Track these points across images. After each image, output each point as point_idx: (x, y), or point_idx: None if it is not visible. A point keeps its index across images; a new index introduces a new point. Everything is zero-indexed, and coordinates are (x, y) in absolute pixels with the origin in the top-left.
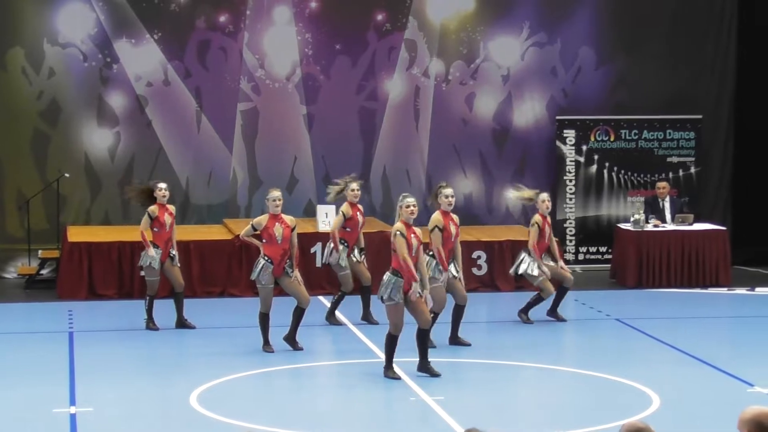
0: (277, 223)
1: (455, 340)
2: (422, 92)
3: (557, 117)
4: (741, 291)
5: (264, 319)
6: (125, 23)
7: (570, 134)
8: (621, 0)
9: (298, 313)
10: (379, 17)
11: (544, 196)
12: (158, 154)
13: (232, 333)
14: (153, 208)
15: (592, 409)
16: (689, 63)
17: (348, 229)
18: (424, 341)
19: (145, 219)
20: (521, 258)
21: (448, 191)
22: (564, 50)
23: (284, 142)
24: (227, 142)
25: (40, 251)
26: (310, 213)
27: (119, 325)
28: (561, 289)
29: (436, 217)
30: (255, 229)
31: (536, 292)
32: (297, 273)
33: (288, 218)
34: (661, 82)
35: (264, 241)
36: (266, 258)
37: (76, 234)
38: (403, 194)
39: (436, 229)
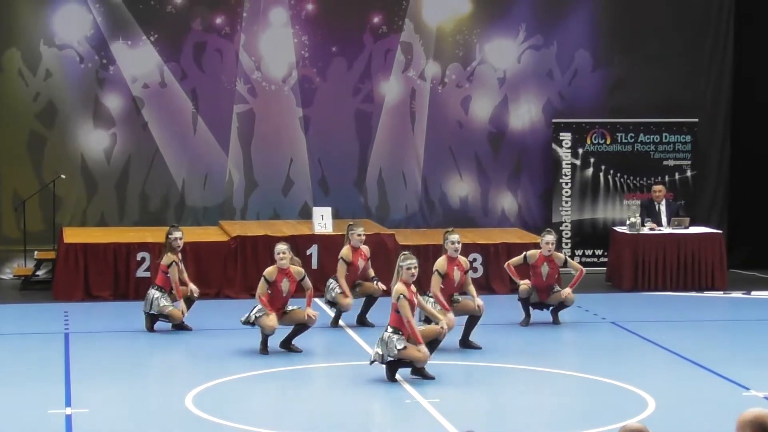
0: (285, 278)
1: (466, 343)
2: (418, 95)
3: (553, 120)
4: (737, 294)
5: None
6: (122, 25)
7: (566, 137)
8: (617, 3)
9: (300, 327)
10: (376, 20)
11: (549, 238)
12: (154, 155)
13: (228, 334)
14: (172, 264)
15: (588, 412)
16: (685, 66)
17: (347, 273)
18: None
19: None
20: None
21: (454, 237)
22: (560, 53)
23: (280, 144)
24: (223, 144)
25: (36, 252)
26: (305, 215)
27: (115, 327)
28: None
29: (440, 262)
30: (268, 282)
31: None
32: (309, 311)
33: (295, 270)
34: (657, 85)
35: (269, 291)
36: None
37: (72, 235)
38: (404, 253)
39: (437, 273)
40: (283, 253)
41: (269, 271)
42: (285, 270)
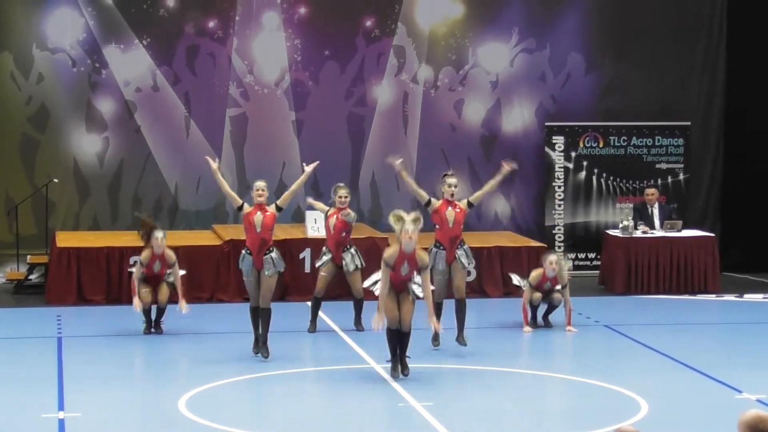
0: (258, 212)
1: (458, 338)
2: (411, 98)
3: (546, 123)
4: (730, 297)
5: (252, 314)
6: (114, 29)
7: (559, 140)
8: (610, 6)
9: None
10: (368, 23)
11: (552, 258)
12: (147, 159)
13: (221, 338)
14: (144, 256)
15: (581, 415)
16: (678, 70)
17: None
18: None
19: (137, 267)
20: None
21: (452, 180)
22: (553, 56)
23: (273, 147)
24: (216, 147)
25: (28, 256)
26: (298, 219)
27: (108, 331)
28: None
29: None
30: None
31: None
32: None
33: (270, 208)
34: (650, 88)
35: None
36: (246, 249)
37: (65, 239)
38: (399, 215)
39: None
40: (263, 189)
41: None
42: (261, 206)
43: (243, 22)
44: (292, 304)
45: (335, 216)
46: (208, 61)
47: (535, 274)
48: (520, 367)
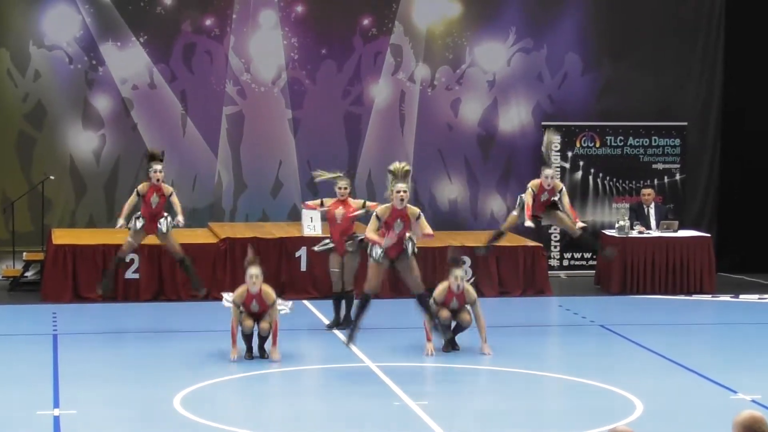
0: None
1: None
2: (408, 97)
3: (543, 123)
4: (725, 298)
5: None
6: (111, 26)
7: (555, 140)
8: (608, 7)
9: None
10: (365, 22)
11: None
12: (143, 157)
13: (217, 336)
14: (142, 187)
15: (576, 415)
16: (675, 70)
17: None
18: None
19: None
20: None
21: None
22: (550, 56)
23: (269, 146)
24: (212, 145)
25: (24, 253)
26: (294, 217)
27: (103, 328)
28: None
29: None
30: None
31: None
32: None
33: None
34: (647, 89)
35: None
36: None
37: (61, 236)
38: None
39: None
40: (256, 277)
41: (239, 293)
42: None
43: (240, 20)
44: (287, 302)
45: (340, 207)
46: (205, 59)
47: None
48: (514, 367)
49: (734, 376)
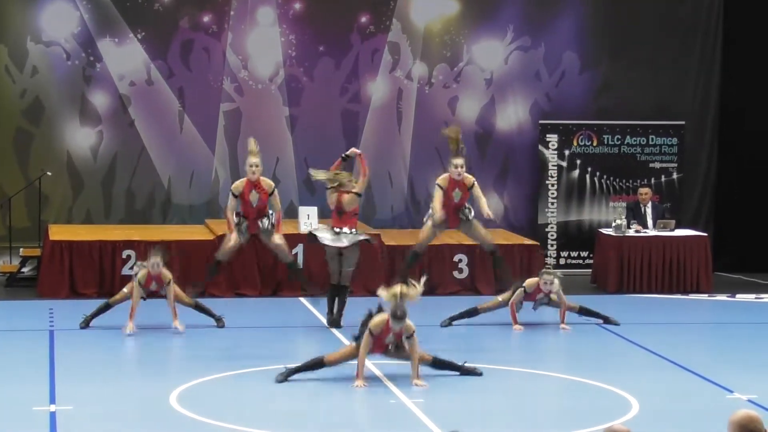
0: (253, 190)
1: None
2: (405, 95)
3: (540, 121)
4: (722, 297)
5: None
6: (109, 22)
7: (553, 138)
8: (606, 5)
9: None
10: (363, 19)
11: (547, 278)
12: (141, 153)
13: (213, 333)
14: (237, 185)
15: (572, 413)
16: (673, 69)
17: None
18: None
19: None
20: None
21: (458, 161)
22: (548, 54)
23: (266, 143)
24: (210, 142)
25: (21, 249)
26: (291, 214)
27: (100, 324)
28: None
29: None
30: (236, 196)
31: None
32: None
33: (265, 182)
34: (644, 87)
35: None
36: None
37: (58, 233)
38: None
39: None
40: (256, 166)
41: (236, 185)
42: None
43: (238, 17)
44: (284, 299)
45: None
46: (203, 55)
47: (531, 281)
48: (511, 365)
49: (731, 375)
